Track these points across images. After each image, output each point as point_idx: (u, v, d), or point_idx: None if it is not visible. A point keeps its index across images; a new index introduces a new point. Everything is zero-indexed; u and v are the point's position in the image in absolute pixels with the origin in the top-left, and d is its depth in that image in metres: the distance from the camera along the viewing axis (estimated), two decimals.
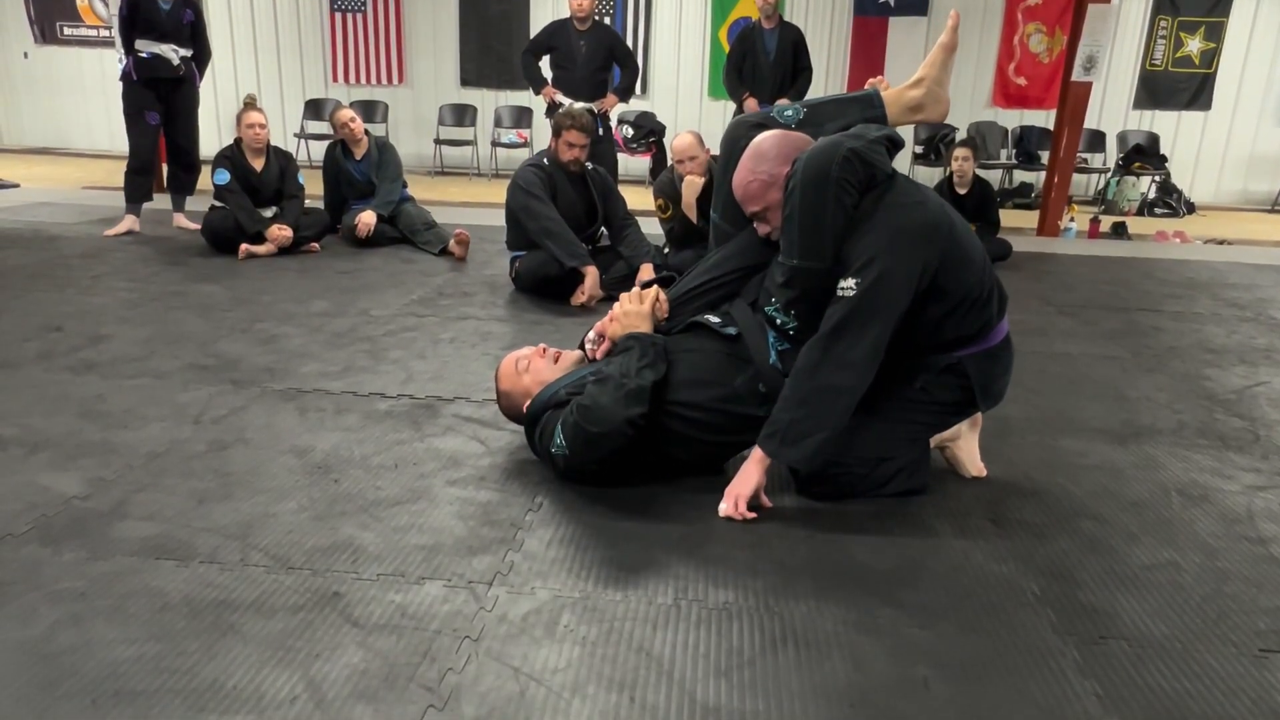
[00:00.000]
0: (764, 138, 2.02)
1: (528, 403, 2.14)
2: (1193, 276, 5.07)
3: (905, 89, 2.12)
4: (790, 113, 2.12)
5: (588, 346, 2.22)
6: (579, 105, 4.96)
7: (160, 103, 5.10)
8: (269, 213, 4.72)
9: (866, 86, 2.21)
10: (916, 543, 1.88)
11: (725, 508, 1.94)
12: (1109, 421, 2.66)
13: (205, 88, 5.53)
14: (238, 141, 4.74)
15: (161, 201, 5.45)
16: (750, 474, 1.94)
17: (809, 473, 2.03)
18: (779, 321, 2.01)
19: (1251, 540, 1.96)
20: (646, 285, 2.23)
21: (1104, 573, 1.79)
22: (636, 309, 2.13)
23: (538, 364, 2.21)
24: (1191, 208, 8.41)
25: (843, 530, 1.90)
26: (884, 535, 1.90)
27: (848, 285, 1.83)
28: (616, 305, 2.18)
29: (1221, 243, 6.77)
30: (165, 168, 5.56)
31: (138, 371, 2.79)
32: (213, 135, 7.63)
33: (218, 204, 4.70)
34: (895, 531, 1.92)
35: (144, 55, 4.96)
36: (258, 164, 4.75)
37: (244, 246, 4.53)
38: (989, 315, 1.97)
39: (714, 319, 2.10)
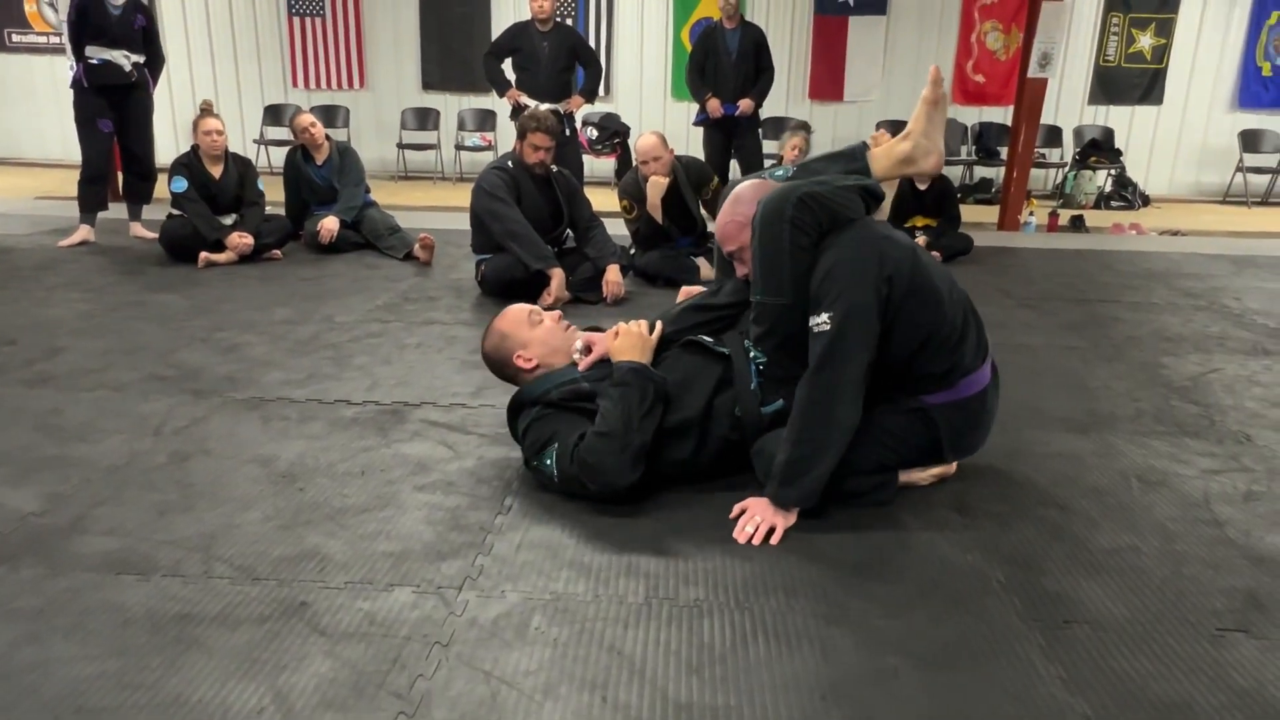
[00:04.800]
0: (743, 185, 2.12)
1: (520, 359, 2.14)
2: (1149, 267, 5.17)
3: (895, 143, 2.14)
4: (781, 173, 2.20)
5: (575, 356, 2.18)
6: (544, 107, 4.95)
7: (113, 110, 5.00)
8: (229, 220, 4.65)
9: (868, 140, 2.25)
10: (884, 535, 1.90)
11: (753, 533, 1.86)
12: (1070, 411, 2.71)
13: (161, 94, 5.44)
14: (195, 148, 4.66)
15: (117, 211, 5.35)
16: (787, 514, 1.90)
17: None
18: (752, 355, 2.06)
19: (1208, 523, 2.00)
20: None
21: (1067, 559, 1.83)
22: (641, 334, 2.10)
23: (549, 325, 2.20)
24: (1147, 200, 8.59)
25: (811, 525, 1.91)
26: (852, 529, 1.92)
27: (821, 320, 1.85)
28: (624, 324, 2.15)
29: (1176, 234, 6.93)
30: (120, 176, 5.45)
31: (95, 383, 2.73)
32: (169, 142, 7.53)
33: (175, 212, 4.62)
34: (863, 525, 1.94)
35: (94, 61, 4.87)
36: (216, 171, 4.67)
37: (203, 255, 4.46)
38: (959, 359, 1.95)
39: (707, 338, 2.14)
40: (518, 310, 2.24)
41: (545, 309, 3.66)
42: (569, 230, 4.21)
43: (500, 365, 2.22)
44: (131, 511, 1.92)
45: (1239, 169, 8.68)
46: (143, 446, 2.27)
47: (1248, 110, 8.96)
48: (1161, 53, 8.89)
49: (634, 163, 4.55)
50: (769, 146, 7.10)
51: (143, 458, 2.20)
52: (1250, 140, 8.75)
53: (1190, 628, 1.59)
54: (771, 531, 1.87)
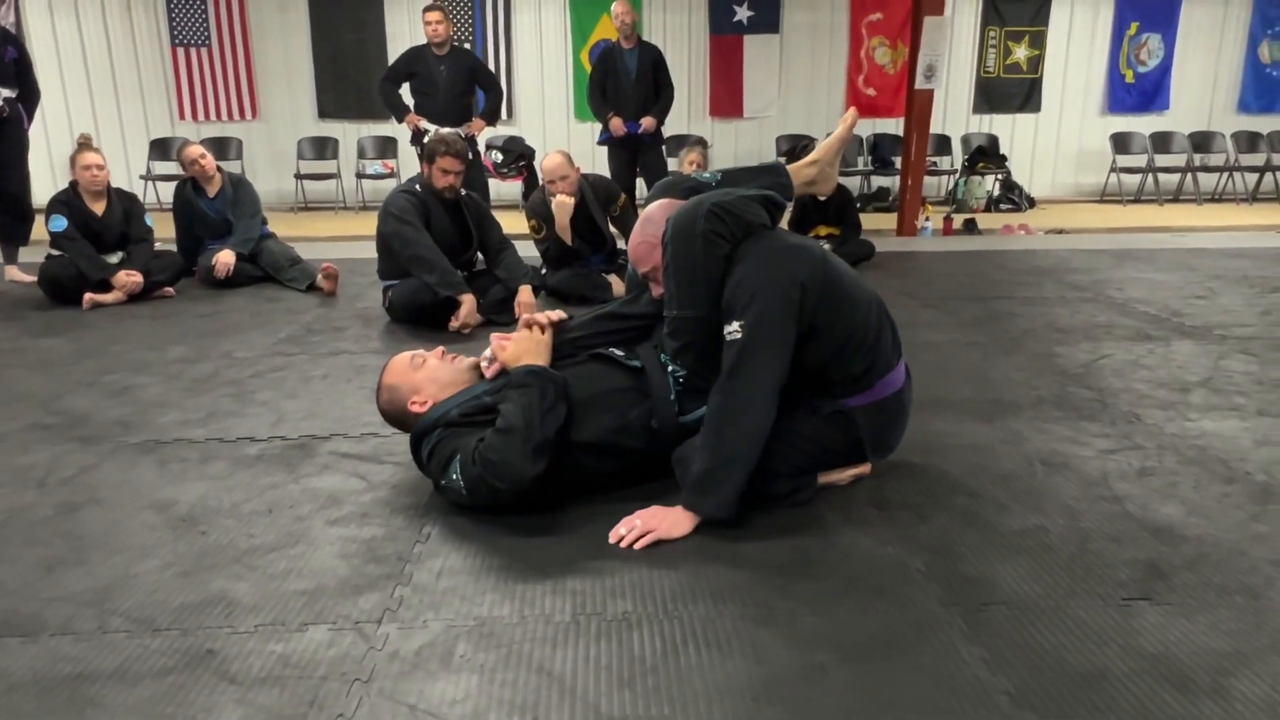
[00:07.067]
0: (653, 205, 2.12)
1: (415, 405, 2.09)
2: (1039, 264, 5.43)
3: (803, 165, 2.40)
4: (707, 175, 2.27)
5: (482, 364, 2.17)
6: (447, 131, 4.89)
7: None
8: (115, 259, 4.42)
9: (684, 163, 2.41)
10: (806, 535, 1.92)
11: (626, 535, 1.86)
12: (975, 402, 2.81)
13: (35, 130, 5.14)
14: (74, 185, 4.42)
15: None
16: (680, 523, 1.89)
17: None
18: (669, 369, 2.08)
19: (1108, 499, 2.09)
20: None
21: (981, 543, 1.88)
22: (533, 335, 2.10)
23: (434, 363, 2.16)
24: (1032, 202, 9.05)
25: (735, 529, 1.92)
26: (775, 531, 1.93)
27: (733, 329, 1.87)
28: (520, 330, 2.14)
29: (1060, 232, 7.31)
30: None
31: None
32: (46, 181, 7.12)
33: (55, 253, 4.36)
34: (785, 526, 1.95)
35: None
36: (98, 208, 4.44)
37: (88, 296, 4.22)
38: (873, 359, 1.99)
39: (618, 352, 2.14)
40: (399, 360, 2.20)
41: (455, 331, 3.66)
42: (479, 254, 4.16)
43: (399, 417, 2.17)
44: (13, 569, 1.78)
45: (1112, 170, 9.23)
46: (24, 500, 2.11)
47: (1116, 114, 9.56)
48: (1036, 63, 9.41)
49: (541, 183, 4.53)
50: (673, 164, 7.19)
51: (25, 512, 2.05)
52: (1120, 143, 9.33)
53: (1099, 600, 1.66)
54: (648, 536, 1.86)
